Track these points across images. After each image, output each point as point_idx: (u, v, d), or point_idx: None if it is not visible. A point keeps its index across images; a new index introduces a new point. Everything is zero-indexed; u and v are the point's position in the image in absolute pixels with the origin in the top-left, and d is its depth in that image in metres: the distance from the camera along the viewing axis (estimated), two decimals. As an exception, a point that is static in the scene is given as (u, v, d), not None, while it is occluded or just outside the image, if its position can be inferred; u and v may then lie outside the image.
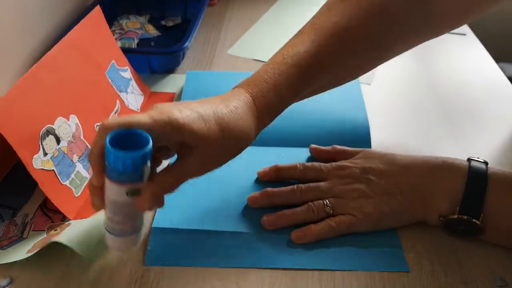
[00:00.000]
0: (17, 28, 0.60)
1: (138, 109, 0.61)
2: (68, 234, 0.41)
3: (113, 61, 0.59)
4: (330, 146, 0.52)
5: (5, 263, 0.41)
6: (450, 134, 0.58)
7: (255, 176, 0.50)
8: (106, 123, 0.33)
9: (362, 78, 0.68)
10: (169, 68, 0.70)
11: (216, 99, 0.40)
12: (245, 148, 0.42)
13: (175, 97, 0.63)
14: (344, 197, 0.45)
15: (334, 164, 0.48)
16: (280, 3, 0.93)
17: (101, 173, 0.34)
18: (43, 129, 0.45)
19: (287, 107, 0.45)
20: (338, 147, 0.51)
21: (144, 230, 0.39)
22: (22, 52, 0.62)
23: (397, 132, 0.59)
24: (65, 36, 0.52)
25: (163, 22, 0.81)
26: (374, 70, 0.70)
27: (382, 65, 0.62)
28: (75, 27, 0.54)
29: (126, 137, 0.33)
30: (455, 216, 0.42)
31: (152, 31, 0.79)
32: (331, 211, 0.44)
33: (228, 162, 0.41)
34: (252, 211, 0.46)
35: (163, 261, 0.42)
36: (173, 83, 0.67)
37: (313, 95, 0.48)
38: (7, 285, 0.40)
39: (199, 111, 0.37)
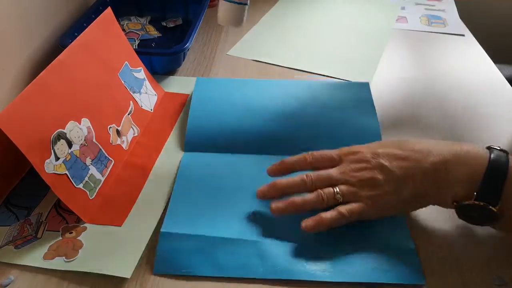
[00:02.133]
0: (18, 29, 0.61)
1: (151, 110, 0.61)
2: (90, 259, 0.41)
3: (126, 62, 0.59)
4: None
5: (6, 262, 0.41)
6: (449, 133, 0.58)
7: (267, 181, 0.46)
8: None
9: (361, 77, 0.69)
10: (170, 69, 0.70)
11: None
12: None
13: (188, 98, 0.64)
14: (355, 185, 0.43)
15: (345, 148, 0.47)
16: (280, 4, 0.93)
17: None
18: (54, 133, 0.45)
19: None
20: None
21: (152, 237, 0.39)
22: (23, 53, 0.62)
23: (395, 131, 0.59)
24: (75, 39, 0.52)
25: (163, 23, 0.82)
26: (374, 68, 0.71)
27: (381, 64, 0.61)
28: (87, 29, 0.54)
29: None
30: (471, 202, 0.40)
31: (153, 32, 0.79)
32: (341, 199, 0.43)
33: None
34: (264, 218, 0.45)
35: (171, 270, 0.41)
36: (173, 83, 0.67)
37: None
38: (8, 284, 0.40)
39: None
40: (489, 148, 0.42)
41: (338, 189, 0.43)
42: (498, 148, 0.42)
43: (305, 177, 0.45)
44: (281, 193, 0.45)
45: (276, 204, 0.44)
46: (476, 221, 0.42)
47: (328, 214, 0.42)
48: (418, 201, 0.43)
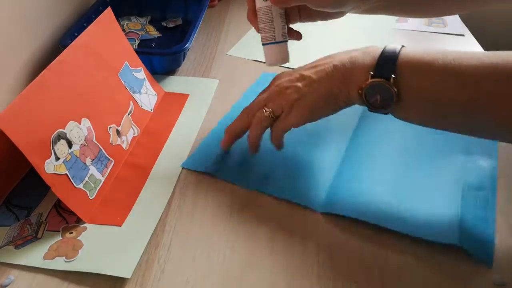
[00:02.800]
0: (18, 29, 0.61)
1: (151, 110, 0.61)
2: (91, 259, 0.42)
3: (126, 62, 0.59)
4: None
5: (6, 263, 0.42)
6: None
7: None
8: None
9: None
10: (170, 69, 0.70)
11: None
12: None
13: (189, 98, 0.64)
14: (279, 98, 0.48)
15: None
16: (280, 4, 0.93)
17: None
18: (54, 134, 0.45)
19: None
20: None
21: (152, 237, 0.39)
22: (23, 53, 0.62)
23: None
24: (75, 39, 0.52)
25: (163, 23, 0.82)
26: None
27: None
28: (87, 29, 0.54)
29: None
30: (368, 81, 0.43)
31: (153, 32, 0.79)
32: (273, 114, 0.48)
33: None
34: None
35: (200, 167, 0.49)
36: (173, 83, 0.67)
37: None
38: (8, 284, 0.40)
39: None
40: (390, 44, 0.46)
41: (266, 108, 0.49)
42: (398, 44, 0.45)
43: (243, 112, 0.51)
44: (234, 135, 0.52)
45: (224, 143, 0.52)
46: (381, 105, 0.44)
47: (261, 129, 0.49)
48: (332, 97, 0.47)
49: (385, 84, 0.43)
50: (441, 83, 0.41)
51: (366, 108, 0.46)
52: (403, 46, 0.44)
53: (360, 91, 0.45)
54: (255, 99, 0.51)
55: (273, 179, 0.50)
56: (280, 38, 0.52)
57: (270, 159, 0.52)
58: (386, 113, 0.45)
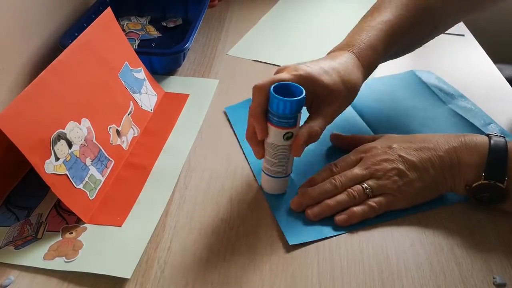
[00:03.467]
0: (18, 29, 0.61)
1: (151, 110, 0.61)
2: (91, 260, 0.42)
3: (126, 62, 0.59)
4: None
5: (6, 263, 0.42)
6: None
7: None
8: (259, 84, 0.44)
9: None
10: (170, 69, 0.70)
11: (327, 58, 0.50)
12: (354, 98, 0.49)
13: (189, 98, 0.64)
14: (381, 178, 0.46)
15: (359, 148, 0.50)
16: (280, 4, 0.93)
17: (265, 129, 0.44)
18: (54, 134, 0.45)
19: (379, 64, 0.53)
20: (357, 135, 0.55)
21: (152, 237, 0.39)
22: (23, 53, 0.62)
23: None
24: (75, 39, 0.52)
25: (164, 23, 0.82)
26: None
27: (381, 65, 0.63)
28: (87, 29, 0.54)
29: (281, 89, 0.43)
30: (480, 182, 0.44)
31: (153, 32, 0.79)
32: (371, 193, 0.46)
33: None
34: None
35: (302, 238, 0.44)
36: (173, 83, 0.67)
37: (394, 57, 0.58)
38: (8, 285, 0.40)
39: (322, 67, 0.47)
40: (487, 135, 0.46)
41: (366, 185, 0.46)
42: (495, 134, 0.46)
43: (333, 180, 0.47)
44: (315, 201, 0.47)
45: (312, 210, 0.46)
46: (488, 201, 0.46)
47: (359, 208, 0.45)
48: (438, 187, 0.47)
49: (497, 185, 0.44)
50: None
51: None
52: (505, 139, 0.45)
53: (467, 187, 0.45)
54: (344, 163, 0.49)
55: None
56: (290, 171, 0.48)
57: None
58: (490, 205, 0.46)
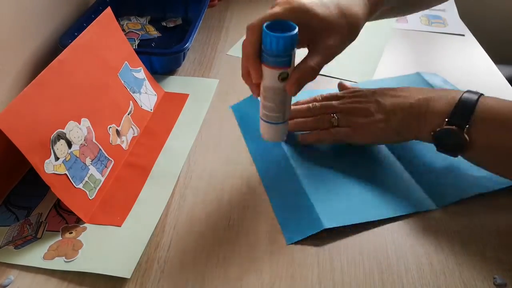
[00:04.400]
0: (18, 29, 0.61)
1: (151, 110, 0.61)
2: (91, 259, 0.42)
3: (126, 62, 0.59)
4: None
5: (6, 263, 0.41)
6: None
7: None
8: (251, 23, 0.43)
9: (361, 76, 0.69)
10: (170, 69, 0.70)
11: None
12: (356, 35, 0.47)
13: (189, 98, 0.64)
14: (350, 113, 0.51)
15: (350, 89, 0.56)
16: (280, 4, 0.93)
17: (259, 70, 0.43)
18: (54, 133, 0.45)
19: (386, 4, 0.51)
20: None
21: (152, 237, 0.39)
22: (23, 53, 0.62)
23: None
24: (75, 39, 0.52)
25: (163, 23, 0.82)
26: (374, 68, 0.71)
27: (381, 64, 0.64)
28: (86, 29, 0.54)
29: (276, 27, 0.41)
30: (443, 127, 0.45)
31: (153, 32, 0.79)
32: (336, 123, 0.51)
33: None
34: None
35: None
36: (173, 83, 0.67)
37: (401, 13, 0.59)
38: (8, 284, 0.40)
39: None
40: (467, 91, 0.47)
41: (334, 115, 0.51)
42: (473, 91, 0.47)
43: (310, 105, 0.54)
44: (292, 117, 0.53)
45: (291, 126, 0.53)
46: (451, 148, 0.47)
47: (319, 131, 0.52)
48: (401, 132, 0.49)
49: (458, 132, 0.45)
50: None
51: None
52: (481, 95, 0.46)
53: (432, 133, 0.47)
54: (329, 95, 0.55)
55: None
56: (287, 117, 0.48)
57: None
58: (454, 156, 0.47)
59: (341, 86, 0.59)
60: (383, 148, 0.54)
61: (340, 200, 0.48)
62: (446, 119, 0.45)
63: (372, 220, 0.46)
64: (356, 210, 0.47)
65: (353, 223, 0.45)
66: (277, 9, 0.43)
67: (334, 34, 0.44)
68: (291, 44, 0.41)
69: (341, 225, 0.45)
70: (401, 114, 0.48)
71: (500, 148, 0.44)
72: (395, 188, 0.49)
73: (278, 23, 0.42)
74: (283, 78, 0.42)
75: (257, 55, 0.43)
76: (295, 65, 0.44)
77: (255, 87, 0.46)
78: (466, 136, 0.44)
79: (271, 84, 0.43)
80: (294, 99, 0.49)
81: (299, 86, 0.44)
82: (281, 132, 0.48)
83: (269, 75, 0.43)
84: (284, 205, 0.47)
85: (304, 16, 0.43)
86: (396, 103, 0.49)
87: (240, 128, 0.59)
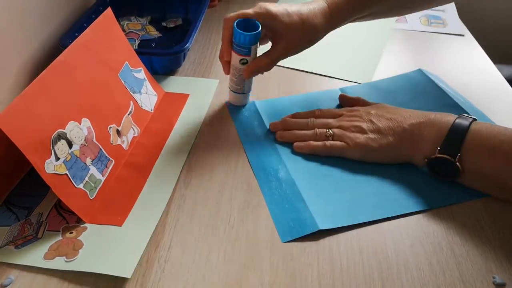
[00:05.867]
0: (18, 29, 0.61)
1: (151, 110, 0.61)
2: (91, 259, 0.42)
3: (126, 62, 0.59)
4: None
5: (7, 262, 0.42)
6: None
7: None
8: (229, 16, 0.55)
9: (361, 77, 0.69)
10: (171, 69, 0.70)
11: (303, 4, 0.56)
12: (314, 42, 0.57)
13: (189, 98, 0.64)
14: (345, 129, 0.54)
15: (348, 107, 0.59)
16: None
17: (229, 51, 0.57)
18: (54, 133, 0.45)
19: (351, 18, 0.58)
20: (362, 98, 0.60)
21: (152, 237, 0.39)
22: (23, 53, 0.62)
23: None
24: (75, 39, 0.52)
25: (164, 24, 0.82)
26: (373, 68, 0.71)
27: (381, 64, 0.64)
28: (87, 30, 0.54)
29: (243, 24, 0.55)
30: (435, 156, 0.48)
31: (153, 32, 0.79)
32: (331, 138, 0.54)
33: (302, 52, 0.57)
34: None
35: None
36: (173, 83, 0.67)
37: (378, 17, 0.62)
38: (8, 284, 0.40)
39: (286, 9, 0.55)
40: (459, 115, 0.49)
41: (330, 131, 0.55)
42: (466, 116, 0.49)
43: (309, 120, 0.57)
44: (288, 128, 0.57)
45: (281, 133, 0.57)
46: (444, 175, 0.49)
47: (315, 143, 0.54)
48: (393, 153, 0.52)
49: (451, 160, 0.47)
50: (505, 168, 0.45)
51: None
52: (473, 120, 0.48)
53: (426, 160, 0.49)
54: (327, 112, 0.58)
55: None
56: (247, 90, 0.61)
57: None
58: (450, 180, 0.49)
59: (342, 98, 0.62)
60: None
61: (334, 201, 0.48)
62: (438, 148, 0.47)
63: (366, 221, 0.46)
64: (349, 211, 0.47)
65: (347, 224, 0.45)
66: (249, 11, 0.54)
67: (289, 37, 0.55)
68: (251, 40, 0.54)
69: (335, 226, 0.45)
70: (394, 138, 0.51)
71: (490, 176, 0.46)
72: (389, 190, 0.49)
73: (246, 21, 0.55)
74: (243, 63, 0.57)
75: (229, 42, 0.56)
76: (257, 55, 0.57)
77: (226, 67, 0.59)
78: (458, 164, 0.47)
79: (235, 64, 0.58)
80: (294, 110, 0.60)
81: (252, 73, 0.57)
82: (242, 99, 0.62)
83: (234, 59, 0.57)
84: (280, 208, 0.48)
85: (270, 21, 0.54)
86: (389, 126, 0.52)
87: (236, 127, 0.59)
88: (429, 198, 0.48)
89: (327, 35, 0.59)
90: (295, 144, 0.55)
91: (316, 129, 0.55)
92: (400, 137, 0.51)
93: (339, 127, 0.55)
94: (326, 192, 0.49)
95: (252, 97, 0.64)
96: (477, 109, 0.61)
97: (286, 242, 0.44)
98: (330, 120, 0.56)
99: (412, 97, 0.64)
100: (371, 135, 0.52)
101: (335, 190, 0.50)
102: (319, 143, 0.54)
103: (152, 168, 0.52)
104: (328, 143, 0.54)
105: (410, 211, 0.47)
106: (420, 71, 0.69)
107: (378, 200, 0.48)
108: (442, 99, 0.63)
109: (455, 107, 0.61)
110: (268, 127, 0.59)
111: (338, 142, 0.53)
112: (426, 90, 0.65)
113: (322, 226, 0.44)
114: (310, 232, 0.44)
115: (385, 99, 0.61)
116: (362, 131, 0.53)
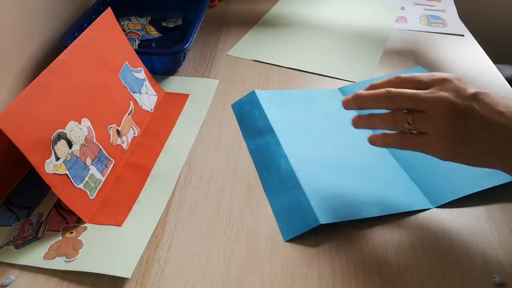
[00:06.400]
0: (18, 29, 0.61)
1: (151, 110, 0.61)
2: (91, 259, 0.42)
3: (126, 62, 0.59)
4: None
5: (7, 262, 0.42)
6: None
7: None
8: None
9: (361, 77, 0.69)
10: (170, 69, 0.70)
11: None
12: None
13: (189, 98, 0.64)
14: (432, 117, 0.39)
15: (438, 74, 0.42)
16: (280, 4, 0.93)
17: None
18: (54, 134, 0.45)
19: None
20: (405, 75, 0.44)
21: (152, 237, 0.39)
22: (23, 53, 0.62)
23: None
24: (75, 39, 0.52)
25: (164, 24, 0.82)
26: (373, 68, 0.71)
27: (381, 64, 0.64)
28: (86, 30, 0.54)
29: None
30: None
31: (153, 32, 0.79)
32: (412, 127, 0.41)
33: None
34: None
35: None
36: (173, 83, 0.67)
37: None
38: (8, 284, 0.40)
39: None
40: None
41: (411, 118, 0.41)
42: None
43: (385, 91, 0.42)
44: (359, 104, 0.44)
45: (356, 120, 0.45)
46: None
47: (389, 138, 0.44)
48: (484, 160, 0.39)
49: None
50: None
51: None
52: None
53: None
54: (412, 79, 0.43)
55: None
56: None
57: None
58: None
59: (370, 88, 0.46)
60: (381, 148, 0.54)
61: (336, 196, 0.48)
62: None
63: (368, 217, 0.46)
64: (352, 207, 0.47)
65: (349, 219, 0.45)
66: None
67: None
68: None
69: (336, 221, 0.45)
70: (492, 143, 0.38)
71: None
72: (392, 186, 0.49)
73: None
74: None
75: None
76: None
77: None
78: None
79: None
80: (295, 102, 0.54)
81: None
82: None
83: None
84: (281, 202, 0.48)
85: None
86: (494, 126, 0.37)
87: (239, 126, 0.59)
88: (436, 193, 0.48)
89: (327, 35, 0.57)
90: (370, 138, 0.45)
91: (397, 113, 0.42)
92: (501, 146, 0.38)
93: (425, 110, 0.40)
94: (329, 186, 0.49)
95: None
96: None
97: (287, 241, 0.44)
98: (418, 92, 0.41)
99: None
100: (464, 135, 0.39)
101: (338, 184, 0.49)
102: (396, 137, 0.43)
103: (152, 168, 0.52)
104: (408, 138, 0.42)
105: (417, 209, 0.47)
106: (419, 68, 0.69)
107: (380, 196, 0.48)
108: None
109: None
110: (268, 117, 0.58)
111: (418, 138, 0.41)
112: None
113: (323, 220, 0.44)
114: (311, 228, 0.44)
115: None
116: (453, 126, 0.39)
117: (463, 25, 0.84)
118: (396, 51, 0.76)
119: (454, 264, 0.42)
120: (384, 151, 0.54)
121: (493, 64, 0.73)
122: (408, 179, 0.50)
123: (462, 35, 0.81)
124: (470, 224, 0.46)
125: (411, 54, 0.75)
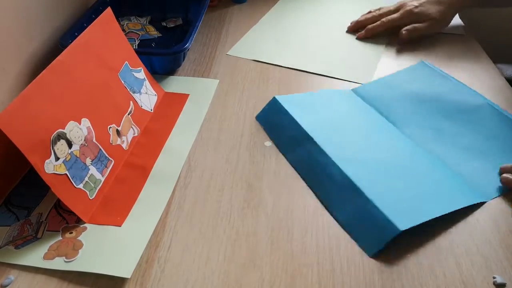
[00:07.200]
0: (18, 29, 0.61)
1: (151, 110, 0.61)
2: (91, 259, 0.42)
3: (126, 62, 0.59)
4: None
5: (6, 263, 0.42)
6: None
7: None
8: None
9: (361, 77, 0.69)
10: (170, 69, 0.70)
11: None
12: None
13: (189, 98, 0.64)
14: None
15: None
16: (280, 4, 0.93)
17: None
18: (54, 134, 0.45)
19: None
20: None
21: (152, 237, 0.39)
22: (23, 53, 0.62)
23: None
24: (75, 39, 0.52)
25: (163, 23, 0.82)
26: (373, 68, 0.71)
27: (381, 64, 0.64)
28: (87, 29, 0.54)
29: None
30: None
31: (153, 32, 0.79)
32: (418, 10, 0.76)
33: None
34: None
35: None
36: (173, 83, 0.67)
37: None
38: (8, 284, 0.40)
39: None
40: None
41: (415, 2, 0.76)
42: None
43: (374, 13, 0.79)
44: (362, 25, 0.81)
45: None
46: None
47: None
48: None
49: None
50: None
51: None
52: None
53: None
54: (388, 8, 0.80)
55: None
56: None
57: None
58: None
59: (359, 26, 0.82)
60: (428, 145, 0.54)
61: (401, 200, 0.46)
62: None
63: (441, 214, 0.44)
64: (419, 208, 0.45)
65: (426, 220, 0.44)
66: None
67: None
68: None
69: (413, 225, 0.43)
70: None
71: None
72: (444, 183, 0.49)
73: None
74: None
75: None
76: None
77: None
78: None
79: None
80: (313, 104, 0.59)
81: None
82: None
83: None
84: (349, 215, 0.46)
85: None
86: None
87: (271, 139, 0.57)
88: (484, 188, 0.49)
89: (327, 34, 0.59)
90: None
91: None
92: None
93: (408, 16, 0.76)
94: (389, 190, 0.47)
95: (252, 97, 0.64)
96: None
97: (288, 241, 0.44)
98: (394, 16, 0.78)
99: (426, 86, 0.66)
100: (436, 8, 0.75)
101: (396, 187, 0.48)
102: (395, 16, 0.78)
103: (152, 168, 0.52)
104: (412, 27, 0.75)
105: (472, 203, 0.47)
106: (423, 63, 0.70)
107: (442, 193, 0.48)
108: (451, 85, 0.65)
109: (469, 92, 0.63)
110: (300, 124, 0.55)
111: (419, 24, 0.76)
112: (433, 79, 0.67)
113: (403, 226, 0.42)
114: (393, 237, 0.42)
115: (402, 92, 0.64)
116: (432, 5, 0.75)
117: (463, 24, 0.84)
118: (397, 51, 0.76)
119: (454, 264, 0.42)
120: (417, 148, 0.54)
121: (493, 64, 0.73)
122: (455, 175, 0.50)
123: (463, 35, 0.81)
124: (471, 223, 0.46)
125: (411, 54, 0.75)
